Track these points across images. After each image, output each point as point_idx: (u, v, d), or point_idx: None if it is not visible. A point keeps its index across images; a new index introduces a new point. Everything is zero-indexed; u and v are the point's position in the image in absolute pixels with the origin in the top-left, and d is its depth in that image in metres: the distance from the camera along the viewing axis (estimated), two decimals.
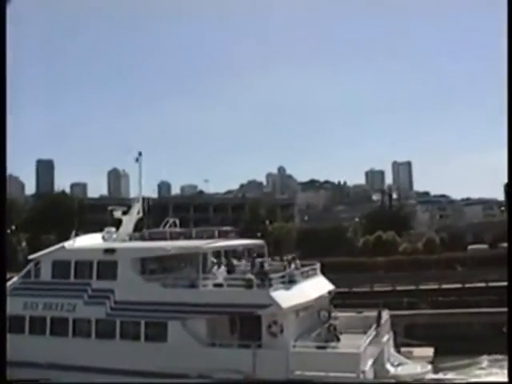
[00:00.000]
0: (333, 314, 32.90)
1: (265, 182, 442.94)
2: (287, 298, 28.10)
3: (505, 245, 69.25)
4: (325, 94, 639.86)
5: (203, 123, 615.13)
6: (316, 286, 32.18)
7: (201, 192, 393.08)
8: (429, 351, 39.62)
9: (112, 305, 30.66)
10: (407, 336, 43.31)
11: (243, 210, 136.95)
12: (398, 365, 33.23)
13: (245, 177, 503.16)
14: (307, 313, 30.34)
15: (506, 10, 15.60)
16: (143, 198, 38.01)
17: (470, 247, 70.61)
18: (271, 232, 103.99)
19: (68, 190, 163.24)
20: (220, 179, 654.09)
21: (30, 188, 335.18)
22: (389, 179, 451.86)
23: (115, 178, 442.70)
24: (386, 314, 34.85)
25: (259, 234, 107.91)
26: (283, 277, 29.57)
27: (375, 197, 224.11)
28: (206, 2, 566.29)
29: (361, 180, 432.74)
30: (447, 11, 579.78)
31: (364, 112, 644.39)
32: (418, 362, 34.24)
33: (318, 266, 35.72)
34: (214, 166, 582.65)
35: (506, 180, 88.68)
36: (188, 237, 33.49)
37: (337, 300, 51.40)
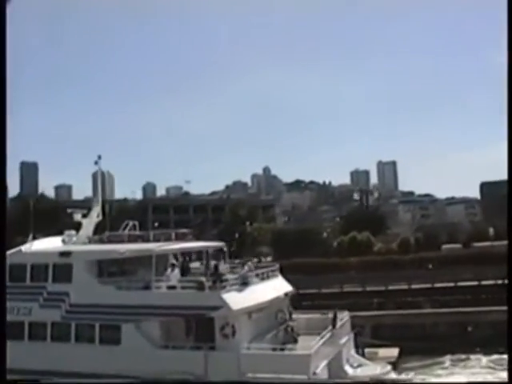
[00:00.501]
0: (292, 316, 32.97)
1: (250, 183, 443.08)
2: (239, 299, 28.00)
3: (478, 244, 69.79)
4: (310, 94, 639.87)
5: (188, 123, 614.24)
6: (272, 288, 32.08)
7: (186, 193, 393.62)
8: (393, 352, 40.00)
9: (67, 308, 30.51)
10: (374, 337, 43.55)
11: (224, 211, 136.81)
12: (358, 366, 33.28)
13: (230, 177, 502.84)
14: (263, 314, 30.21)
15: (505, 10, 15.50)
16: (103, 201, 37.82)
17: (443, 247, 70.62)
18: (250, 233, 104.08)
19: (52, 192, 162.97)
20: (205, 180, 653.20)
21: (14, 191, 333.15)
22: (374, 179, 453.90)
23: (100, 179, 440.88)
24: (345, 316, 34.84)
25: (237, 235, 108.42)
26: (237, 279, 29.45)
27: (356, 196, 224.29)
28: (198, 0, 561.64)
29: (346, 180, 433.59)
30: (440, 12, 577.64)
31: (350, 112, 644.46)
32: (378, 363, 34.36)
33: (276, 267, 35.75)
34: (200, 167, 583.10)
35: (490, 178, 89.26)
36: (146, 239, 33.39)
37: (306, 301, 52.02)
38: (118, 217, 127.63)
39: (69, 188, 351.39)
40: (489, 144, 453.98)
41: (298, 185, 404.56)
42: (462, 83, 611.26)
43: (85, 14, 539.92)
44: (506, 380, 19.57)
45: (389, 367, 33.09)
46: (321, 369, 27.11)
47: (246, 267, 31.99)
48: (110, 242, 34.06)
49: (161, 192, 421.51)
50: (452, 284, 52.31)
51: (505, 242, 66.86)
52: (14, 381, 26.08)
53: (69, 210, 36.34)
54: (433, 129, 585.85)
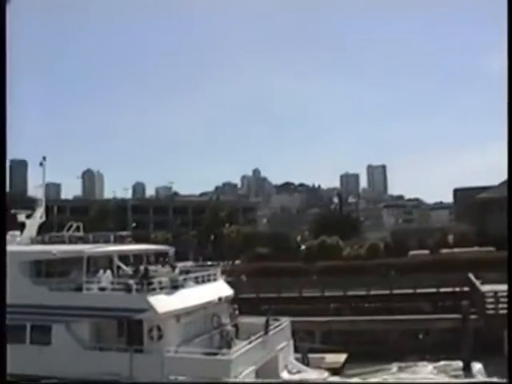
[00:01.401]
0: (236, 320, 33.03)
1: (239, 184, 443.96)
2: (166, 303, 28.09)
3: (445, 250, 69.99)
4: (302, 97, 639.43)
5: (180, 124, 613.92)
6: (207, 292, 32.04)
7: (175, 193, 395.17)
8: (341, 357, 39.93)
9: None
10: (325, 342, 43.45)
11: (204, 213, 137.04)
12: (297, 372, 33.33)
13: (220, 179, 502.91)
14: (195, 318, 30.19)
15: (505, 10, 15.62)
16: (47, 202, 37.82)
17: (410, 253, 70.80)
18: (226, 235, 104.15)
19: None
20: (196, 181, 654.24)
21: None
22: (364, 183, 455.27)
23: (89, 179, 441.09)
24: (284, 321, 34.86)
25: (212, 237, 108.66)
26: (166, 282, 29.49)
27: (335, 200, 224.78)
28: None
29: (336, 183, 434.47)
30: (437, 12, 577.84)
31: (341, 115, 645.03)
32: (317, 369, 34.37)
33: (217, 270, 35.85)
34: (190, 168, 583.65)
35: (463, 184, 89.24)
36: (86, 241, 33.44)
37: (265, 305, 51.95)
38: (97, 217, 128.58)
39: (57, 187, 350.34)
40: (483, 148, 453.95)
41: (287, 187, 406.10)
42: (455, 85, 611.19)
43: (68, 17, 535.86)
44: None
45: (326, 374, 33.22)
46: (246, 374, 27.10)
47: (177, 270, 31.97)
48: (51, 242, 34.05)
49: (150, 192, 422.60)
50: (410, 291, 52.07)
51: (464, 250, 67.60)
52: (13, 381, 26.29)
53: (12, 211, 35.82)
54: (427, 133, 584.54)
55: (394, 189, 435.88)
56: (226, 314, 33.49)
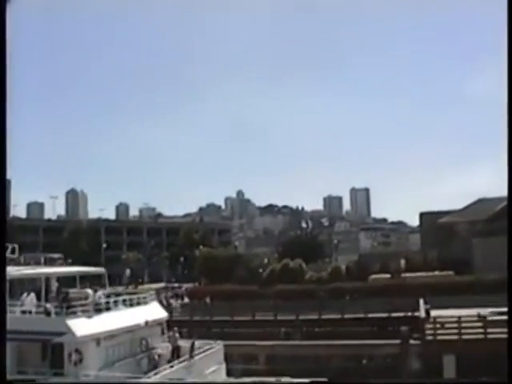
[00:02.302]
0: (158, 343, 32.93)
1: (223, 206, 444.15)
2: (86, 326, 27.97)
3: (406, 275, 70.18)
4: (287, 119, 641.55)
5: (164, 143, 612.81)
6: (137, 315, 31.99)
7: (159, 214, 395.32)
8: None
9: None
10: (268, 366, 43.53)
11: (178, 235, 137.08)
12: None
13: (204, 200, 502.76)
14: (121, 341, 30.11)
15: (505, 11, 15.77)
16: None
17: (371, 277, 70.92)
18: (197, 257, 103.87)
19: (24, 210, 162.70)
20: (180, 202, 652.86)
21: None
22: (347, 205, 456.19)
23: (73, 198, 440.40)
24: (217, 345, 34.83)
25: (182, 259, 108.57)
26: (89, 305, 29.46)
27: (303, 224, 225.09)
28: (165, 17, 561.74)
29: (319, 206, 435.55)
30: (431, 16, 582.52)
31: (325, 136, 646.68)
32: None
33: (150, 293, 35.90)
34: (175, 188, 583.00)
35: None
36: (17, 263, 33.33)
37: (216, 328, 52.07)
38: (70, 238, 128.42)
39: (41, 206, 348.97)
40: (466, 171, 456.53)
41: (271, 209, 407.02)
42: (439, 108, 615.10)
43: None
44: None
45: None
46: None
47: (100, 293, 31.88)
48: None
49: (134, 212, 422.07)
50: (362, 315, 52.12)
51: (425, 274, 67.85)
52: (13, 381, 26.15)
53: None
54: (411, 155, 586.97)
55: (378, 211, 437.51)
56: (157, 337, 33.38)
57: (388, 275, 72.07)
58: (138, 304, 33.52)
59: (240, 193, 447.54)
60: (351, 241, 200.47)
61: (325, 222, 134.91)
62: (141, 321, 31.97)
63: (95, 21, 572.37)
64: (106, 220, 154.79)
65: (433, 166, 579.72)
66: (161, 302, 66.95)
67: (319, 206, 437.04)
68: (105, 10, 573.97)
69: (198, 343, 34.88)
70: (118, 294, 34.43)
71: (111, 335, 29.24)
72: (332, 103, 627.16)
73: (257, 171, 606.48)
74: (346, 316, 52.59)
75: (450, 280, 64.33)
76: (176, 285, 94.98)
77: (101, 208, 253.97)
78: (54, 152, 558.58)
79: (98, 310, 29.66)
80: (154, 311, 34.42)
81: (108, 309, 30.42)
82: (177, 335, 34.70)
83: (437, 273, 70.32)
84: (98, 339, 28.37)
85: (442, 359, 38.12)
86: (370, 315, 52.03)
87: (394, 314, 51.09)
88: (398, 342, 41.34)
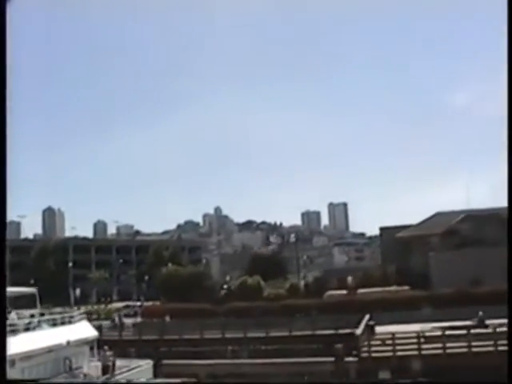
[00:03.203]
0: (83, 363, 32.89)
1: (201, 223, 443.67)
2: None
3: (362, 290, 70.22)
4: (264, 133, 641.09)
5: (142, 158, 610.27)
6: (60, 334, 31.85)
7: (137, 232, 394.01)
8: None
9: None
10: None
11: (147, 253, 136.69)
12: None
13: (183, 217, 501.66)
14: (40, 361, 29.95)
15: (505, 11, 15.68)
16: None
17: (327, 293, 70.90)
18: (163, 275, 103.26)
19: None
20: (159, 219, 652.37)
21: None
22: (325, 220, 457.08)
23: (50, 216, 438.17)
24: (145, 364, 34.94)
25: (147, 277, 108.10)
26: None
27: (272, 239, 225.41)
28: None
29: (297, 221, 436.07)
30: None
31: (302, 152, 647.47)
32: None
33: (75, 313, 35.92)
34: (154, 206, 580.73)
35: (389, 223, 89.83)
36: None
37: (165, 347, 51.92)
38: (37, 257, 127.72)
39: (17, 225, 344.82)
40: (445, 184, 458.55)
41: (249, 225, 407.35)
42: (419, 120, 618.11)
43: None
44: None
45: None
46: None
47: (13, 314, 31.60)
48: None
49: (112, 230, 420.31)
50: (309, 332, 52.01)
51: (381, 289, 67.94)
52: (13, 381, 25.78)
53: None
54: (390, 169, 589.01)
55: (356, 226, 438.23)
56: (84, 356, 33.29)
57: (344, 291, 72.07)
58: (63, 324, 33.33)
59: (218, 209, 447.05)
60: (326, 256, 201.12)
61: (292, 238, 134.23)
62: (63, 340, 31.80)
63: (95, 20, 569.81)
64: (75, 238, 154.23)
65: (411, 179, 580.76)
66: (113, 321, 67.18)
67: (298, 222, 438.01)
68: (105, 9, 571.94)
69: (128, 362, 35.00)
70: (42, 314, 34.13)
71: (28, 356, 29.01)
72: (311, 117, 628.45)
73: (235, 187, 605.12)
74: (294, 333, 52.28)
75: (403, 295, 64.45)
76: (138, 303, 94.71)
77: (72, 226, 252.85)
78: (33, 167, 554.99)
79: (14, 330, 29.37)
80: (80, 330, 34.26)
81: (27, 329, 30.19)
82: (108, 354, 34.61)
83: (393, 288, 70.43)
84: (12, 361, 28.11)
85: (377, 375, 38.16)
86: (318, 332, 51.78)
87: (340, 331, 50.79)
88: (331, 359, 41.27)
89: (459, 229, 76.34)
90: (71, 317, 34.69)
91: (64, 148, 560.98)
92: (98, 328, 60.26)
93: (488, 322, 45.35)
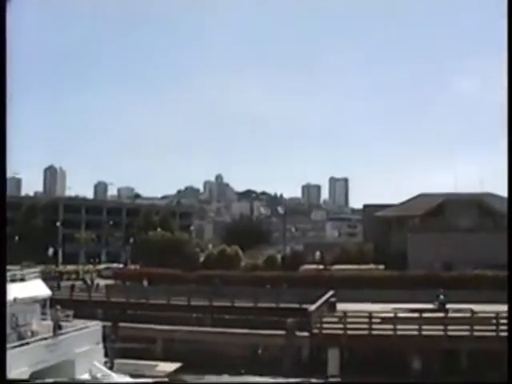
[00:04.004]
0: (31, 321, 33.16)
1: (202, 189, 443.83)
2: None
3: (337, 266, 70.69)
4: (269, 106, 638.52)
5: (148, 124, 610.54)
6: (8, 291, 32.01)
7: (137, 195, 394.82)
8: (172, 366, 40.53)
9: None
10: (165, 350, 43.99)
11: (138, 216, 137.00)
12: (104, 377, 33.71)
13: (182, 182, 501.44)
14: None
15: (505, 11, 15.79)
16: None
17: (303, 267, 71.31)
18: (147, 239, 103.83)
19: None
20: (160, 183, 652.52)
21: None
22: (326, 194, 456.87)
23: (51, 175, 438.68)
24: (94, 325, 35.23)
25: (131, 240, 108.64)
26: None
27: (263, 211, 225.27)
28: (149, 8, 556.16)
29: (297, 194, 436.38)
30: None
31: (307, 125, 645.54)
32: (122, 374, 34.81)
33: (34, 270, 36.21)
34: (155, 170, 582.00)
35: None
36: None
37: (131, 310, 52.49)
38: (26, 214, 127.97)
39: (17, 181, 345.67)
40: (445, 165, 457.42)
41: (249, 194, 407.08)
42: (421, 104, 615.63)
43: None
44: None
45: (128, 378, 33.79)
46: (17, 374, 27.22)
47: None
48: None
49: (112, 192, 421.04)
50: (274, 305, 52.30)
51: (356, 266, 68.39)
52: (13, 381, 26.16)
53: None
54: (392, 149, 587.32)
55: (356, 202, 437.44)
56: (33, 314, 33.55)
57: (321, 266, 72.55)
58: (13, 281, 33.47)
59: (219, 177, 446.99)
60: (319, 230, 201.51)
61: (280, 209, 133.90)
62: (9, 297, 32.01)
63: (95, 20, 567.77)
64: (66, 198, 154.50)
65: (413, 159, 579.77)
66: (85, 282, 67.69)
67: (298, 194, 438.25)
68: (104, 9, 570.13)
69: (79, 323, 35.36)
70: None
71: None
72: (316, 92, 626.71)
73: (237, 156, 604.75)
74: (259, 305, 52.62)
75: (376, 274, 64.94)
76: (121, 266, 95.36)
77: (69, 186, 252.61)
78: (38, 127, 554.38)
79: None
80: (31, 288, 34.41)
81: None
82: (60, 313, 34.90)
83: (369, 266, 70.92)
84: None
85: (326, 353, 38.52)
86: (281, 305, 52.07)
87: (296, 306, 50.78)
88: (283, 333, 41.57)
89: (438, 212, 76.43)
90: (22, 275, 34.81)
91: (71, 111, 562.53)
92: (71, 288, 61.15)
93: (451, 306, 45.64)
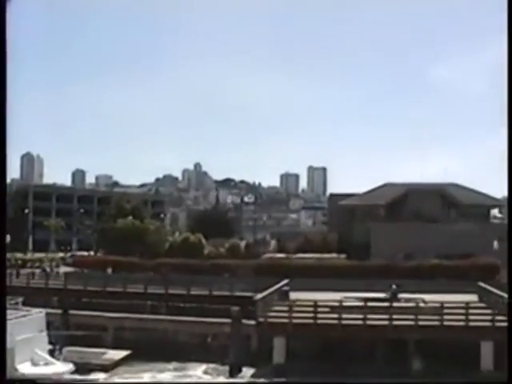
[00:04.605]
0: None
1: (180, 178, 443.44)
2: None
3: (300, 255, 70.97)
4: (248, 92, 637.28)
5: (126, 111, 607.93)
6: None
7: (115, 183, 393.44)
8: (120, 354, 40.68)
9: None
10: (116, 338, 44.11)
11: (109, 204, 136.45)
12: (45, 364, 33.76)
13: (162, 170, 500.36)
14: None
15: (505, 11, 15.74)
16: None
17: (265, 255, 71.54)
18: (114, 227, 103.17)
19: None
20: (137, 171, 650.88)
21: None
22: (304, 183, 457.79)
23: (28, 162, 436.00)
24: (36, 313, 35.32)
25: (97, 229, 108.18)
26: None
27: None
28: None
29: (276, 182, 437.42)
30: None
31: (286, 114, 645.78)
32: (65, 362, 34.89)
33: None
34: (133, 158, 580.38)
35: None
36: None
37: (85, 298, 52.47)
38: None
39: None
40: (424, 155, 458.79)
41: (228, 183, 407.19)
42: (400, 91, 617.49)
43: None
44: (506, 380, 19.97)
45: (71, 366, 33.87)
46: None
47: None
48: None
49: (90, 180, 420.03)
50: (228, 293, 52.30)
51: (318, 255, 68.65)
52: (13, 380, 25.97)
53: None
54: (371, 137, 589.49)
55: (334, 191, 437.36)
56: None
57: (282, 255, 72.83)
58: None
59: (198, 165, 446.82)
60: (293, 219, 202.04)
61: (247, 198, 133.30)
62: None
63: (95, 20, 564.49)
64: (37, 186, 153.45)
65: (391, 149, 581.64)
66: (44, 270, 67.53)
67: (277, 183, 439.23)
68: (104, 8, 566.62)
69: (21, 311, 35.39)
70: None
71: None
72: (295, 81, 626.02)
73: (216, 145, 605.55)
74: (214, 293, 52.62)
75: (336, 263, 65.20)
76: (85, 253, 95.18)
77: (40, 173, 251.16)
78: (17, 115, 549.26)
79: None
80: None
81: None
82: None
83: (331, 255, 71.27)
84: None
85: (272, 342, 38.71)
86: (237, 294, 52.04)
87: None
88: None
89: (402, 202, 76.82)
90: None
91: (50, 98, 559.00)
92: (29, 276, 61.00)
93: (403, 296, 45.83)
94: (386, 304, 40.06)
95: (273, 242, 75.52)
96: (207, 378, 38.54)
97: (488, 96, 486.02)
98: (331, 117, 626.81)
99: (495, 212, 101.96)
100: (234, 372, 38.22)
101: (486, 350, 36.61)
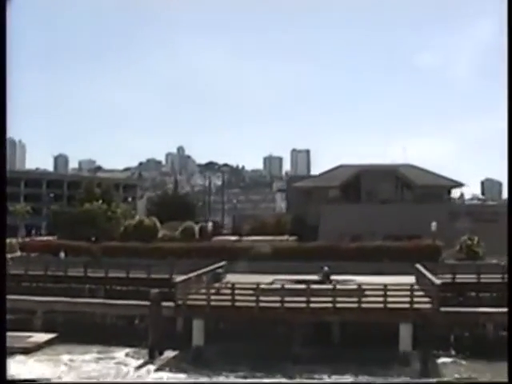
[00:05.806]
0: None
1: (164, 161, 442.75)
2: None
3: (249, 238, 71.15)
4: (231, 75, 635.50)
5: (105, 96, 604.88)
6: None
7: (98, 167, 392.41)
8: (45, 337, 41.04)
9: None
10: (45, 322, 44.39)
11: (79, 188, 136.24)
12: None
13: (145, 155, 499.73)
14: None
15: (505, 10, 15.83)
16: None
17: (214, 238, 71.77)
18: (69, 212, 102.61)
19: None
20: (121, 156, 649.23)
21: None
22: (287, 166, 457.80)
23: (10, 148, 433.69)
24: None
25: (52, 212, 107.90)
26: None
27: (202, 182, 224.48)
28: None
29: (259, 165, 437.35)
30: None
31: (269, 97, 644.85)
32: None
33: None
34: (116, 142, 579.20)
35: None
36: None
37: (28, 282, 52.62)
38: None
39: None
40: (407, 140, 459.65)
41: (211, 166, 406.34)
42: (386, 77, 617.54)
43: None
44: (506, 380, 20.14)
45: None
46: None
47: None
48: None
49: (73, 164, 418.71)
50: (167, 276, 52.42)
51: (270, 238, 68.80)
52: (13, 381, 25.95)
53: None
54: (354, 121, 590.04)
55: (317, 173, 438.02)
56: None
57: (234, 237, 73.09)
58: None
59: (181, 149, 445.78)
60: (269, 202, 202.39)
61: (217, 180, 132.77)
62: None
63: (95, 20, 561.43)
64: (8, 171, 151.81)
65: (374, 132, 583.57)
66: None
67: (260, 166, 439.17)
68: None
69: None
70: None
71: None
72: (277, 63, 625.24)
73: (199, 128, 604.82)
74: (151, 276, 52.86)
75: (283, 245, 65.41)
76: (45, 238, 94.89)
77: (23, 159, 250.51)
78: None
79: None
80: None
81: None
82: None
83: (282, 237, 71.43)
84: None
85: (190, 325, 38.99)
86: (175, 276, 52.05)
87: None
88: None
89: (354, 183, 77.04)
90: None
91: (33, 83, 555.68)
92: None
93: (337, 277, 45.88)
94: (306, 286, 39.99)
95: (209, 225, 75.51)
96: (129, 361, 38.61)
97: (469, 80, 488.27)
98: (315, 99, 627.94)
99: (458, 193, 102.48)
100: (154, 355, 38.46)
101: (405, 331, 36.77)
